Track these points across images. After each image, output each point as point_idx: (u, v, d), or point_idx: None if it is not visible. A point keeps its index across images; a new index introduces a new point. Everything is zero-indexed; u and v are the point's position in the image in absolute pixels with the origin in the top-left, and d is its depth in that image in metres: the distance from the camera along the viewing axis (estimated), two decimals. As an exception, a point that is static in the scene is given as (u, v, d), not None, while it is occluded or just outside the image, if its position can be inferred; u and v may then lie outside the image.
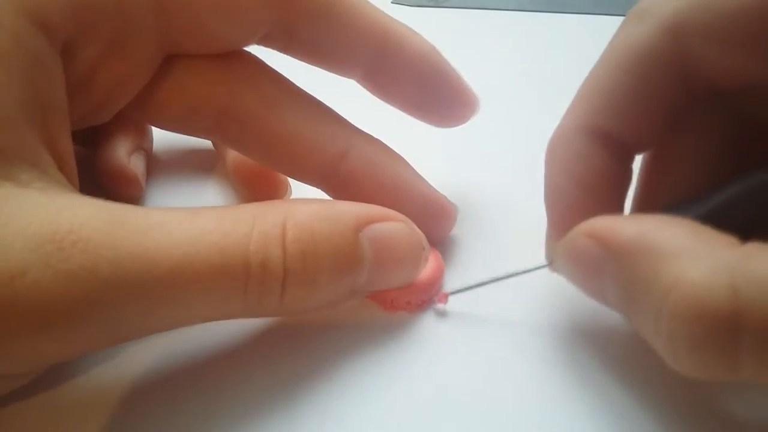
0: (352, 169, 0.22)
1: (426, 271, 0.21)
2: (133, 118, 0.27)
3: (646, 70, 0.18)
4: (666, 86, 0.18)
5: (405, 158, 0.23)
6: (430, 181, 0.23)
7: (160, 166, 0.28)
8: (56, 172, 0.17)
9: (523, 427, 0.18)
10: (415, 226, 0.20)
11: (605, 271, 0.16)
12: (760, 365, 0.14)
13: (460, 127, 0.31)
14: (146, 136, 0.28)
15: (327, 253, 0.17)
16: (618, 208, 0.19)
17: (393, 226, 0.19)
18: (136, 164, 0.26)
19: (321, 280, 0.17)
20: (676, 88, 0.18)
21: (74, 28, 0.18)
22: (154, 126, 0.25)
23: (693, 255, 0.14)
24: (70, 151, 0.18)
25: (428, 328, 0.21)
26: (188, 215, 0.17)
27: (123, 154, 0.25)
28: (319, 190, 0.23)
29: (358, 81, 0.23)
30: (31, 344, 0.15)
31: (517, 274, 0.20)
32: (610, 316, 0.21)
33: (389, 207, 0.20)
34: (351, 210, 0.18)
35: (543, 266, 0.20)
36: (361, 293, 0.19)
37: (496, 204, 0.26)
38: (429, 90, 0.23)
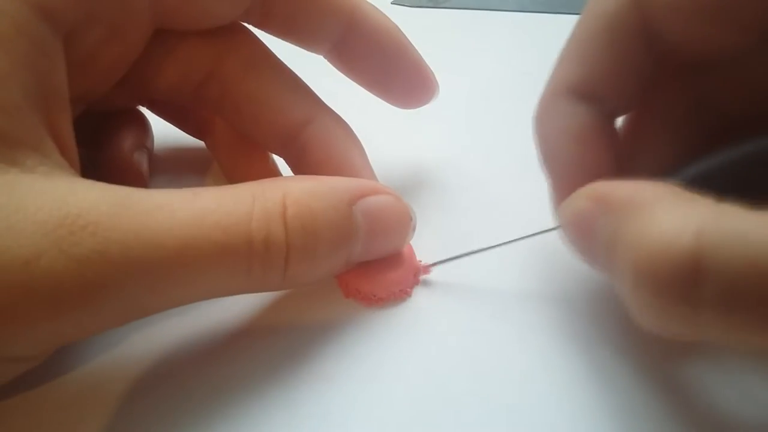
0: (309, 139, 0.23)
1: (399, 262, 0.21)
2: (132, 110, 0.28)
3: (615, 38, 0.19)
4: (634, 53, 0.19)
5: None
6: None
7: (160, 165, 0.29)
8: (58, 156, 0.18)
9: (522, 411, 0.18)
10: (401, 198, 0.21)
11: (597, 228, 0.17)
12: (720, 317, 0.13)
13: (461, 126, 0.31)
14: (148, 135, 0.28)
15: (325, 227, 0.18)
16: (612, 161, 0.20)
17: (383, 198, 0.20)
18: (139, 161, 0.26)
19: (321, 254, 0.18)
20: (644, 55, 0.19)
21: (76, 15, 0.19)
22: (143, 98, 0.26)
23: (669, 207, 0.15)
24: (71, 136, 0.19)
25: (426, 323, 0.21)
26: (189, 195, 0.17)
27: (126, 151, 0.26)
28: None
29: (325, 56, 0.24)
30: (45, 327, 0.15)
31: (526, 237, 0.21)
32: (598, 289, 0.21)
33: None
34: (343, 185, 0.19)
35: (553, 229, 0.20)
36: (354, 263, 0.20)
37: (496, 203, 0.26)
38: (390, 67, 0.24)
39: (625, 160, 0.20)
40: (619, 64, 0.19)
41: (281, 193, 0.18)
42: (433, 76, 0.25)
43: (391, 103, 0.25)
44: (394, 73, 0.24)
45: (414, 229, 0.21)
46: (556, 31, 0.41)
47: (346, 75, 0.24)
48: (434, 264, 0.22)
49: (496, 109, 0.33)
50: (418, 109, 0.26)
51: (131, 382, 0.19)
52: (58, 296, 0.15)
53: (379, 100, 0.25)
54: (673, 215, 0.14)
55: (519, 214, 0.25)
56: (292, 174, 0.24)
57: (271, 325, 0.21)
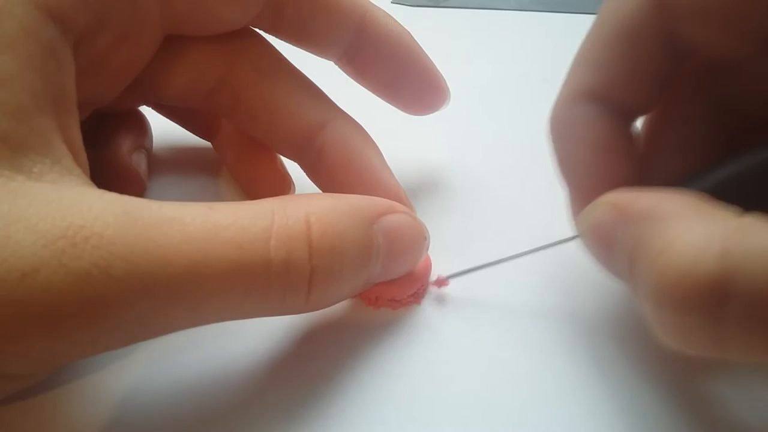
0: (325, 143, 0.22)
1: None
2: (131, 111, 0.28)
3: (633, 39, 0.18)
4: (653, 54, 0.19)
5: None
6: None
7: (160, 165, 0.28)
8: (70, 161, 0.17)
9: (523, 421, 0.18)
10: (416, 217, 0.21)
11: (617, 238, 0.16)
12: (745, 337, 0.13)
13: (461, 126, 0.31)
14: (147, 136, 0.28)
15: (351, 247, 0.17)
16: (631, 167, 0.20)
17: (400, 217, 0.20)
18: (138, 162, 0.26)
19: (345, 275, 0.18)
20: (663, 56, 0.19)
21: (86, 19, 0.18)
22: (153, 102, 0.26)
23: (691, 222, 0.14)
24: (80, 140, 0.18)
25: (425, 323, 0.21)
26: (203, 210, 0.16)
27: (125, 152, 0.26)
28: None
29: (336, 62, 0.24)
30: (42, 344, 0.15)
31: (543, 248, 0.20)
32: (610, 303, 0.21)
33: (350, 187, 0.22)
34: (364, 204, 0.19)
35: (571, 238, 0.20)
36: (372, 284, 0.20)
37: (497, 203, 0.26)
38: (400, 72, 0.24)
39: (644, 163, 0.20)
40: (638, 66, 0.19)
41: (304, 210, 0.17)
42: (445, 82, 0.25)
43: (402, 109, 0.25)
44: (405, 78, 0.24)
45: (428, 248, 0.21)
46: (556, 31, 0.41)
47: (357, 81, 0.24)
48: (452, 276, 0.21)
49: (497, 108, 0.33)
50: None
51: (130, 381, 0.19)
52: (55, 313, 0.14)
53: (388, 105, 0.25)
54: (697, 232, 0.14)
55: (528, 219, 0.25)
56: (306, 176, 0.24)
57: (270, 327, 0.21)
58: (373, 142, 0.23)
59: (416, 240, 0.20)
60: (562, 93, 0.20)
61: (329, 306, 0.19)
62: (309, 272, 0.17)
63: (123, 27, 0.20)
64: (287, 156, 0.24)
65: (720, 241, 0.13)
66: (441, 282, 0.22)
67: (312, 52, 0.23)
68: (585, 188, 0.19)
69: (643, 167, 0.20)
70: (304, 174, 0.24)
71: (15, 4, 0.17)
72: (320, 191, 0.23)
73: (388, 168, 0.23)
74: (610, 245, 0.17)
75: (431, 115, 0.25)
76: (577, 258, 0.19)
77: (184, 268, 0.15)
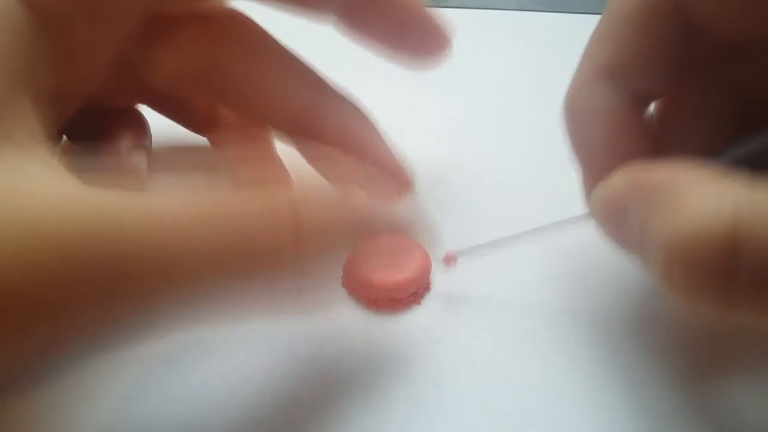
0: (321, 122, 0.22)
1: (412, 268, 0.21)
2: (130, 110, 0.27)
3: (648, 19, 0.18)
4: (668, 34, 0.19)
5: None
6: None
7: (160, 164, 0.28)
8: (45, 151, 0.16)
9: (523, 422, 0.18)
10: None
11: (630, 210, 0.16)
12: (757, 293, 0.13)
13: (461, 126, 0.31)
14: (146, 135, 0.28)
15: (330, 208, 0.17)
16: (645, 146, 0.19)
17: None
18: (137, 162, 0.26)
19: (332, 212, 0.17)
20: (678, 36, 0.19)
21: (60, 2, 0.18)
22: (144, 94, 0.25)
23: (704, 187, 0.15)
24: (56, 128, 0.18)
25: (427, 324, 0.21)
26: (177, 193, 0.15)
27: (124, 152, 0.26)
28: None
29: (335, 22, 0.23)
30: (9, 343, 0.14)
31: (558, 224, 0.20)
32: (612, 302, 0.21)
33: (350, 162, 0.22)
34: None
35: (582, 216, 0.20)
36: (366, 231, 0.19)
37: (497, 203, 0.26)
38: (403, 28, 0.23)
39: (657, 146, 0.20)
40: (653, 46, 0.19)
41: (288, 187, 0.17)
42: (445, 26, 0.24)
43: (405, 62, 0.24)
44: (405, 35, 0.23)
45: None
46: (556, 31, 0.41)
47: (357, 39, 0.24)
48: (462, 252, 0.21)
49: (498, 108, 0.33)
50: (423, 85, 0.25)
51: (128, 382, 0.19)
52: (17, 311, 0.13)
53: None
54: (709, 194, 0.14)
55: (528, 216, 0.25)
56: (305, 159, 0.24)
57: (272, 326, 0.21)
58: (370, 119, 0.23)
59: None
60: (578, 72, 0.20)
61: (324, 269, 0.18)
62: (294, 215, 0.16)
63: (99, 8, 0.19)
64: (284, 136, 0.24)
65: (732, 200, 0.14)
66: (450, 258, 0.21)
67: (308, 16, 0.23)
68: (598, 167, 0.19)
69: (657, 149, 0.20)
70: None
71: None
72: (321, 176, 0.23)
73: (387, 142, 0.23)
74: (623, 218, 0.17)
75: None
76: (580, 256, 0.19)
77: (157, 256, 0.14)
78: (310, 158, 0.24)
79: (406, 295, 0.21)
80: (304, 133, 0.23)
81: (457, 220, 0.25)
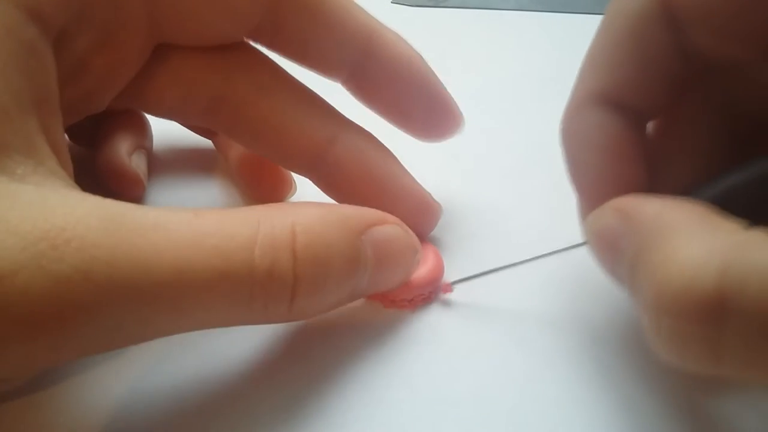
0: (339, 157, 0.22)
1: (426, 268, 0.21)
2: (130, 110, 0.27)
3: (642, 41, 0.18)
4: (662, 56, 0.18)
5: (394, 153, 0.23)
6: (431, 180, 0.23)
7: (160, 165, 0.28)
8: (54, 164, 0.17)
9: (523, 423, 0.18)
10: (408, 229, 0.20)
11: (621, 245, 0.16)
12: (742, 352, 0.13)
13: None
14: (147, 135, 0.28)
15: (336, 258, 0.17)
16: (642, 171, 0.19)
17: (390, 229, 0.19)
18: (137, 163, 0.26)
19: (329, 286, 0.17)
20: (672, 57, 0.18)
21: (66, 17, 0.18)
22: (148, 113, 0.25)
23: (694, 234, 0.14)
24: (64, 142, 0.18)
25: (430, 325, 0.21)
26: (189, 216, 0.16)
27: (124, 153, 0.26)
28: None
29: (343, 84, 0.23)
30: (20, 348, 0.14)
31: (549, 254, 0.20)
32: (613, 311, 0.21)
33: (374, 198, 0.21)
34: (354, 213, 0.18)
35: (580, 245, 0.20)
36: (357, 296, 0.19)
37: (498, 202, 0.26)
38: (410, 97, 0.23)
39: (654, 166, 0.20)
40: (648, 68, 0.19)
41: (291, 218, 0.17)
42: (457, 108, 0.24)
43: (412, 135, 0.24)
44: (414, 104, 0.23)
45: (418, 263, 0.21)
46: (556, 31, 0.41)
47: (365, 104, 0.23)
48: (457, 282, 0.21)
49: (498, 108, 0.33)
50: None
51: (128, 382, 0.19)
52: (33, 316, 0.14)
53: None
54: (699, 245, 0.14)
55: (530, 223, 0.25)
56: (322, 191, 0.23)
57: (270, 327, 0.21)
58: (388, 150, 0.23)
59: (406, 253, 0.20)
60: (573, 97, 0.20)
61: (314, 316, 0.19)
62: (292, 282, 0.16)
63: (105, 27, 0.19)
64: (296, 172, 0.23)
65: (721, 256, 0.13)
66: (446, 288, 0.21)
67: (316, 72, 0.22)
68: (595, 194, 0.19)
69: (653, 171, 0.20)
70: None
71: None
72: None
73: (409, 174, 0.23)
74: (615, 251, 0.17)
75: (441, 141, 0.24)
76: (582, 265, 0.19)
77: (166, 275, 0.15)
78: (328, 191, 0.23)
79: (416, 297, 0.21)
80: (320, 168, 0.22)
81: (458, 231, 0.25)
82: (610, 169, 0.19)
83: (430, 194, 0.23)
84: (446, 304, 0.21)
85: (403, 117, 0.23)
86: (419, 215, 0.23)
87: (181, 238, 0.15)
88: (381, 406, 0.18)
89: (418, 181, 0.23)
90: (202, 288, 0.15)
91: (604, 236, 0.17)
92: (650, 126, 0.21)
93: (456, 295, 0.21)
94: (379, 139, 0.23)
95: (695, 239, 0.14)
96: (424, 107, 0.23)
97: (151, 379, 0.19)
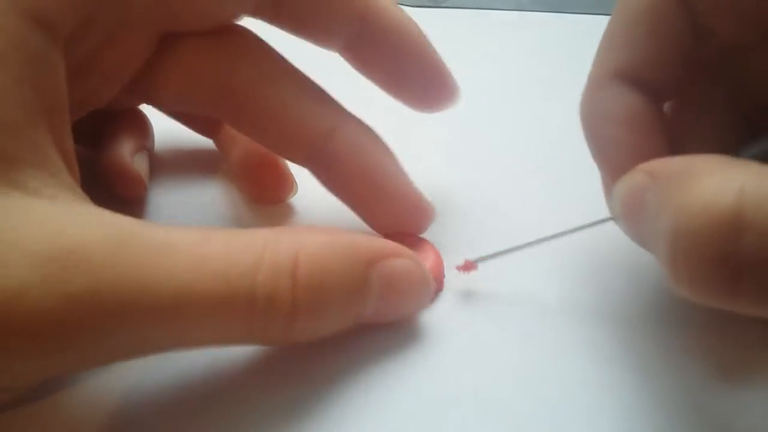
0: (337, 148, 0.22)
1: (426, 266, 0.21)
2: (133, 111, 0.27)
3: (658, 19, 0.19)
4: (678, 34, 0.19)
5: (396, 148, 0.23)
6: (431, 180, 0.23)
7: (162, 165, 0.28)
8: (66, 175, 0.17)
9: (525, 422, 0.18)
10: (422, 263, 0.20)
11: (647, 201, 0.16)
12: (760, 277, 0.13)
13: (462, 126, 0.31)
14: (149, 136, 0.28)
15: (337, 288, 0.17)
16: (664, 146, 0.20)
17: (402, 263, 0.19)
18: (139, 164, 0.26)
19: (328, 314, 0.18)
20: (687, 38, 0.19)
21: (75, 23, 0.18)
22: (153, 105, 0.25)
23: (714, 170, 0.15)
24: (72, 148, 0.18)
25: (428, 324, 0.21)
26: (197, 238, 0.16)
27: (126, 154, 0.26)
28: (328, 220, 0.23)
29: (340, 53, 0.23)
30: (26, 362, 0.15)
31: (577, 229, 0.20)
32: (616, 305, 0.21)
33: (368, 194, 0.22)
34: (363, 244, 0.18)
35: (608, 219, 0.20)
36: (364, 321, 0.19)
37: (498, 202, 0.26)
38: (406, 66, 0.23)
39: (673, 145, 0.20)
40: (663, 47, 0.19)
41: (296, 246, 0.17)
42: (453, 78, 0.24)
43: (409, 105, 0.24)
44: (411, 73, 0.23)
45: (432, 296, 0.21)
46: (556, 31, 0.41)
47: (362, 73, 0.24)
48: (480, 259, 0.21)
49: (498, 108, 0.33)
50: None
51: (128, 385, 0.19)
52: (41, 334, 0.14)
53: (394, 105, 0.24)
54: (717, 176, 0.14)
55: (531, 220, 0.25)
56: (320, 183, 0.23)
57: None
58: (387, 146, 0.23)
59: (419, 288, 0.20)
60: (592, 75, 0.20)
61: (315, 338, 0.19)
62: (291, 308, 0.17)
63: (113, 25, 0.19)
64: (296, 162, 0.24)
65: (739, 182, 0.14)
66: (469, 266, 0.21)
67: (314, 43, 0.23)
68: (620, 167, 0.19)
69: (672, 150, 0.20)
70: (308, 175, 0.23)
71: (2, 14, 0.16)
72: (335, 196, 0.23)
73: (405, 173, 0.23)
74: (641, 210, 0.17)
75: (437, 112, 0.25)
76: (590, 258, 0.19)
77: (170, 297, 0.15)
78: (326, 183, 0.23)
79: None
80: (319, 159, 0.22)
81: (468, 226, 0.25)
82: (634, 141, 0.19)
83: (423, 195, 0.23)
84: (442, 300, 0.21)
85: (399, 86, 0.24)
86: (412, 215, 0.23)
87: (185, 262, 0.16)
88: (381, 405, 0.18)
89: (418, 177, 0.23)
90: (202, 311, 0.16)
91: (632, 195, 0.17)
92: (667, 107, 0.21)
93: (457, 290, 0.21)
94: (380, 133, 0.23)
95: (714, 173, 0.14)
96: (420, 77, 0.23)
97: (151, 379, 0.19)
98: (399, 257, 0.19)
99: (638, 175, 0.17)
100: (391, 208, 0.22)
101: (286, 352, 0.20)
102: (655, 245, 0.16)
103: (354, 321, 0.19)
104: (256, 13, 0.22)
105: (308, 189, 0.24)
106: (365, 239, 0.19)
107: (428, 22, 0.43)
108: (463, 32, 0.42)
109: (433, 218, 0.23)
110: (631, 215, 0.18)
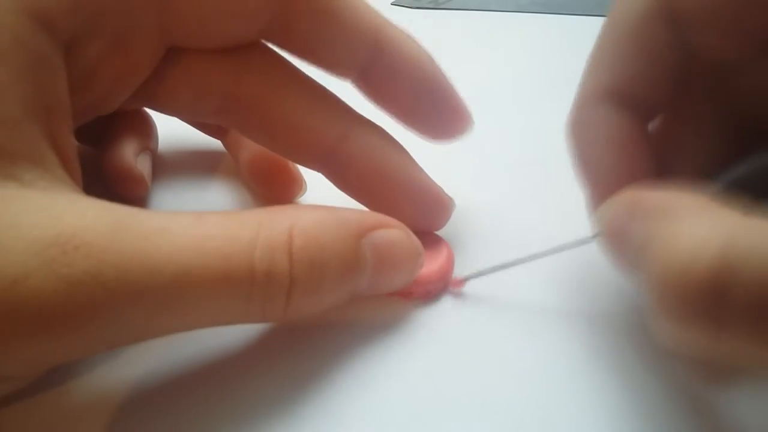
0: (351, 153, 0.22)
1: (438, 261, 0.21)
2: (137, 111, 0.27)
3: (645, 38, 0.19)
4: (666, 53, 0.19)
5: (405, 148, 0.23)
6: (439, 178, 0.23)
7: (165, 166, 0.29)
8: (60, 171, 0.17)
9: (525, 422, 0.18)
10: (411, 233, 0.20)
11: (630, 233, 0.17)
12: (744, 333, 0.13)
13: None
14: (152, 137, 0.28)
15: (332, 260, 0.18)
16: (650, 166, 0.20)
17: (392, 233, 0.20)
18: (142, 164, 0.26)
19: (326, 287, 0.18)
20: (675, 54, 0.19)
21: (77, 25, 0.18)
22: (160, 112, 0.25)
23: (696, 218, 0.15)
24: (73, 149, 0.18)
25: (435, 321, 0.21)
26: (192, 220, 0.17)
27: (130, 154, 0.26)
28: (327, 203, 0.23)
29: (352, 83, 0.23)
30: (31, 348, 0.15)
31: (560, 249, 0.20)
32: (621, 307, 0.21)
33: (386, 194, 0.22)
34: (353, 217, 0.19)
35: (590, 240, 0.20)
36: (359, 296, 0.20)
37: (498, 202, 0.26)
38: (421, 97, 0.23)
39: (660, 162, 0.20)
40: (652, 66, 0.19)
41: (289, 222, 0.17)
42: (466, 108, 0.23)
43: (421, 136, 0.24)
44: (424, 103, 0.23)
45: (422, 266, 0.21)
46: (556, 32, 0.41)
47: (375, 104, 0.23)
48: (469, 277, 0.21)
49: (498, 109, 0.33)
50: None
51: (131, 388, 0.19)
52: (45, 318, 0.14)
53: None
54: (701, 226, 0.14)
55: (532, 220, 0.25)
56: (335, 186, 0.23)
57: (270, 325, 0.21)
58: (401, 145, 0.23)
59: (408, 257, 0.20)
60: (580, 94, 0.20)
61: (313, 313, 0.19)
62: (288, 283, 0.17)
63: (117, 34, 0.19)
64: (309, 167, 0.23)
65: (723, 235, 0.14)
66: (457, 283, 0.22)
67: (327, 72, 0.22)
68: (605, 187, 0.19)
69: (660, 166, 0.20)
70: (317, 173, 0.23)
71: (4, 13, 0.17)
72: (350, 197, 0.23)
73: (421, 169, 0.23)
74: (624, 239, 0.17)
75: (450, 143, 0.24)
76: (592, 262, 0.19)
77: (171, 277, 0.15)
78: (342, 186, 0.23)
79: (423, 289, 0.21)
80: (333, 164, 0.22)
81: (467, 227, 0.25)
82: (619, 162, 0.19)
83: (442, 189, 0.23)
84: (453, 300, 0.22)
85: (411, 117, 0.23)
86: (431, 210, 0.23)
87: (184, 242, 0.16)
88: (381, 405, 0.18)
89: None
90: (204, 289, 0.16)
91: (613, 225, 0.18)
92: (652, 123, 0.21)
93: (464, 290, 0.22)
94: (391, 134, 0.23)
95: (698, 222, 0.14)
96: (433, 107, 0.23)
97: (151, 380, 0.19)
98: (388, 227, 0.19)
99: (621, 204, 0.17)
100: (409, 205, 0.22)
101: (286, 349, 0.20)
102: (638, 278, 0.16)
103: (350, 294, 0.19)
104: (265, 37, 0.22)
105: (316, 186, 0.24)
106: (356, 213, 0.19)
107: (428, 23, 0.43)
108: (462, 33, 0.42)
109: (452, 212, 0.24)
110: (613, 244, 0.18)
